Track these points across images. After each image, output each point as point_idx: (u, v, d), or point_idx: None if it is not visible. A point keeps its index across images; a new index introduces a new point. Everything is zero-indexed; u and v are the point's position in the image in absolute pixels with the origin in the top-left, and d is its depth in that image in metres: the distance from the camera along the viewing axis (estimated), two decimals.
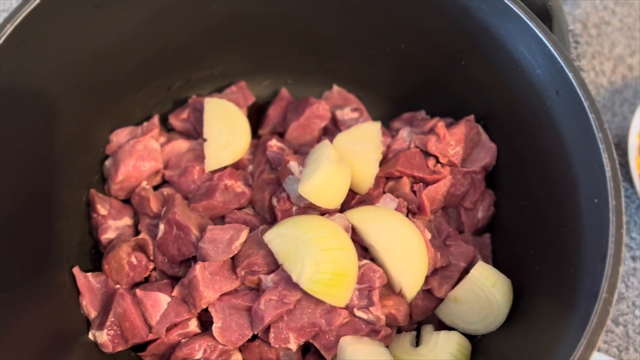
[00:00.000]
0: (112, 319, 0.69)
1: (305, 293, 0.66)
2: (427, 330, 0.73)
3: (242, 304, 0.69)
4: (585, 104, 0.63)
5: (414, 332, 0.74)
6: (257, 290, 0.70)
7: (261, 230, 0.71)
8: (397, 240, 0.70)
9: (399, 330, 0.74)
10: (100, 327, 0.69)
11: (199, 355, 0.68)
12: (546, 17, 0.72)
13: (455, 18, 0.74)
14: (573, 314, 0.57)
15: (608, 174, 0.59)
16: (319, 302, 0.67)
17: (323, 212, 0.72)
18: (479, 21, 0.72)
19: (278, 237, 0.67)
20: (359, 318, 0.69)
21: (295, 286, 0.66)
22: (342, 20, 0.82)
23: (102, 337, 0.69)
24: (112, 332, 0.69)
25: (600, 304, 0.54)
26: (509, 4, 0.68)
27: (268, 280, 0.69)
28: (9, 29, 0.62)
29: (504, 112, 0.77)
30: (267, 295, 0.68)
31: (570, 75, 0.65)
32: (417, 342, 0.73)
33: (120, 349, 0.70)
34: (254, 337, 0.71)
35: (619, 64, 1.09)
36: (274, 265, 0.69)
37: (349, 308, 0.68)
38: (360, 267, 0.68)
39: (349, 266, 0.66)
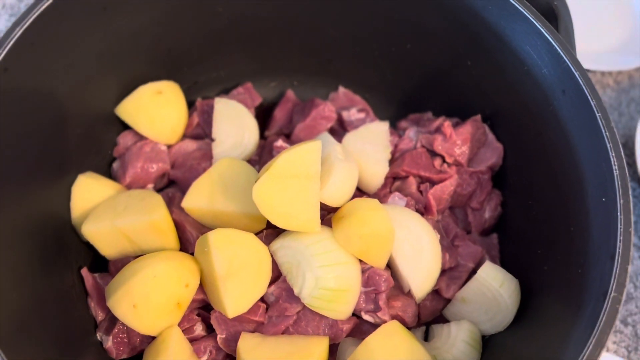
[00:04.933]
0: (120, 327, 0.69)
1: None
2: (437, 325, 0.73)
3: (245, 316, 0.68)
4: (592, 103, 0.63)
5: (423, 327, 0.74)
6: (261, 300, 0.69)
7: (265, 235, 0.71)
8: (409, 239, 0.70)
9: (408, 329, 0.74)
10: (107, 332, 0.69)
11: (205, 356, 0.68)
12: (552, 16, 0.72)
13: (460, 18, 0.74)
14: (581, 314, 0.57)
15: (616, 172, 0.59)
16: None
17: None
18: (485, 21, 0.72)
19: (282, 249, 0.68)
20: (366, 321, 0.69)
21: (297, 298, 0.67)
22: (347, 22, 0.83)
23: (108, 342, 0.69)
24: (117, 339, 0.69)
25: (609, 304, 0.54)
26: (515, 3, 0.69)
27: (269, 293, 0.69)
28: (18, 32, 0.63)
29: (510, 112, 0.77)
30: (269, 312, 0.68)
31: (576, 74, 0.65)
32: (426, 337, 0.73)
33: (124, 356, 0.69)
34: None
35: None
36: (277, 272, 0.69)
37: (356, 311, 0.68)
38: (364, 272, 0.68)
39: (350, 281, 0.66)
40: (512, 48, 0.72)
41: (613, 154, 0.60)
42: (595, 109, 0.63)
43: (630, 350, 0.85)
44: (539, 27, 0.67)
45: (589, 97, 0.63)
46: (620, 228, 0.57)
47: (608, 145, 0.61)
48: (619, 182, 0.59)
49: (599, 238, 0.60)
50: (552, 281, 0.67)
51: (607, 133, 0.61)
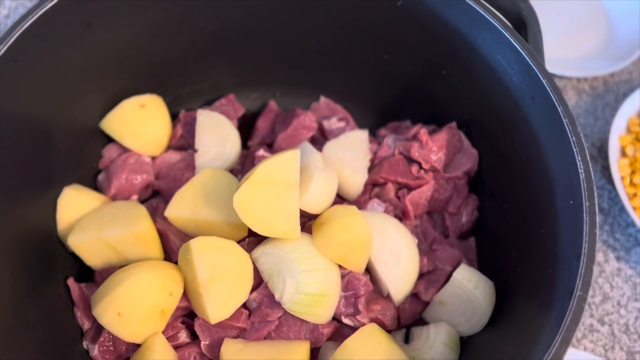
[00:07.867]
0: (106, 335, 0.70)
1: None
2: (416, 327, 0.75)
3: (227, 322, 0.69)
4: (559, 109, 0.65)
5: (404, 330, 0.76)
6: (243, 306, 0.71)
7: (247, 243, 0.73)
8: (387, 244, 0.72)
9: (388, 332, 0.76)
10: (93, 340, 0.70)
11: None
12: (521, 26, 0.74)
13: (434, 29, 0.77)
14: (550, 312, 0.59)
15: (582, 175, 0.62)
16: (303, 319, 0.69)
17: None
18: (457, 32, 0.75)
19: (263, 256, 0.69)
20: (346, 325, 0.71)
21: (279, 304, 0.68)
22: (326, 34, 0.85)
23: (94, 351, 0.70)
24: (103, 348, 0.70)
25: (574, 302, 0.56)
26: (485, 14, 0.71)
27: (251, 300, 0.70)
28: (2, 49, 0.64)
29: (484, 119, 0.80)
30: (251, 318, 0.70)
31: (544, 81, 0.67)
32: (407, 340, 0.75)
33: None
34: None
35: None
36: (259, 279, 0.71)
37: (336, 315, 0.70)
38: (344, 276, 0.70)
39: (330, 286, 0.68)
40: (483, 57, 0.74)
41: (579, 158, 0.63)
42: (562, 115, 0.65)
43: (607, 349, 0.87)
44: (508, 36, 0.70)
45: (556, 104, 0.66)
46: (586, 229, 0.59)
47: (574, 149, 0.63)
48: (585, 185, 0.61)
49: (567, 239, 0.62)
50: (525, 282, 0.69)
51: (573, 138, 0.64)
